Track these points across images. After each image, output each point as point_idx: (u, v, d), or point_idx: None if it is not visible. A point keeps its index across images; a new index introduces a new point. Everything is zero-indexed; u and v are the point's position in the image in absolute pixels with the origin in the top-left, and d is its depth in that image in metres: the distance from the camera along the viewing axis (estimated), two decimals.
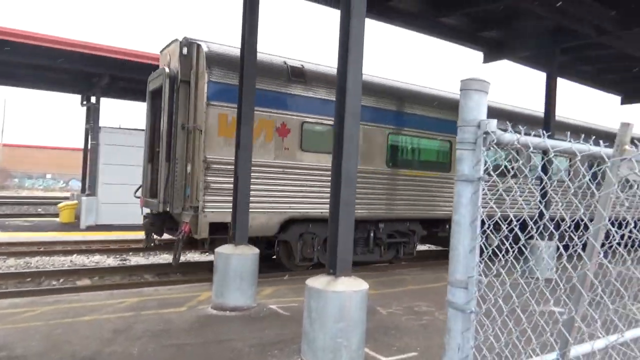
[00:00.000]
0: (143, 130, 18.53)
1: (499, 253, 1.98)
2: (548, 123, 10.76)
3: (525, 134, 1.77)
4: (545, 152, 1.81)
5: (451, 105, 11.12)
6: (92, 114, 17.84)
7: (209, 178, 8.28)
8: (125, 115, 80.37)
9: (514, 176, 1.85)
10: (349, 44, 4.69)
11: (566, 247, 2.34)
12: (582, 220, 2.04)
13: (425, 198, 10.86)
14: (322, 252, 9.44)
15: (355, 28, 4.72)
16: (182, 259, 12.29)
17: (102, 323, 5.58)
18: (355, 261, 10.14)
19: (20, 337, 4.99)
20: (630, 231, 2.03)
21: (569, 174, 10.04)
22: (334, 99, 4.92)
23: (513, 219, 1.86)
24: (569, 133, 1.97)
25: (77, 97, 19.32)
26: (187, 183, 8.67)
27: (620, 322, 2.08)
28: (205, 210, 8.26)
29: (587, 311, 2.01)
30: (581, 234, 2.05)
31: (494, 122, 1.66)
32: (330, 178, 4.92)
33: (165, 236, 9.85)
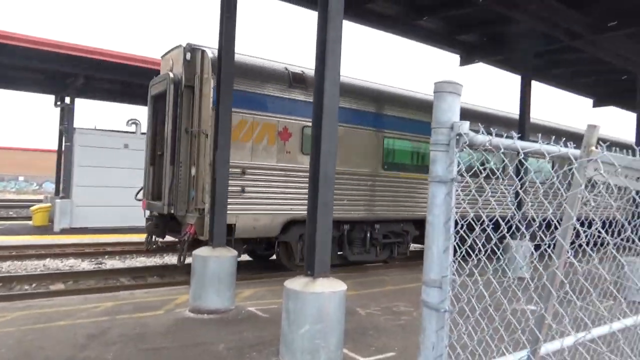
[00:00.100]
0: (119, 131, 18.48)
1: (472, 253, 2.01)
2: (523, 125, 10.98)
3: (498, 136, 1.80)
4: (518, 153, 1.84)
5: None
6: (67, 114, 17.50)
7: None
8: (101, 116, 79.08)
9: (487, 177, 1.88)
10: (327, 46, 4.71)
11: (537, 247, 2.39)
12: (553, 220, 2.09)
13: (417, 199, 11.04)
14: None
15: (332, 30, 4.74)
16: (160, 261, 12.18)
17: (76, 328, 5.46)
18: (353, 261, 10.33)
19: None
20: (599, 230, 2.08)
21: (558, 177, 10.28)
22: None
23: (485, 219, 1.90)
24: (540, 135, 2.01)
25: (51, 98, 18.94)
26: (192, 186, 8.83)
27: (589, 320, 2.13)
28: None
29: (557, 309, 2.06)
30: (551, 233, 2.09)
31: (466, 124, 1.69)
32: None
33: (167, 238, 9.85)
